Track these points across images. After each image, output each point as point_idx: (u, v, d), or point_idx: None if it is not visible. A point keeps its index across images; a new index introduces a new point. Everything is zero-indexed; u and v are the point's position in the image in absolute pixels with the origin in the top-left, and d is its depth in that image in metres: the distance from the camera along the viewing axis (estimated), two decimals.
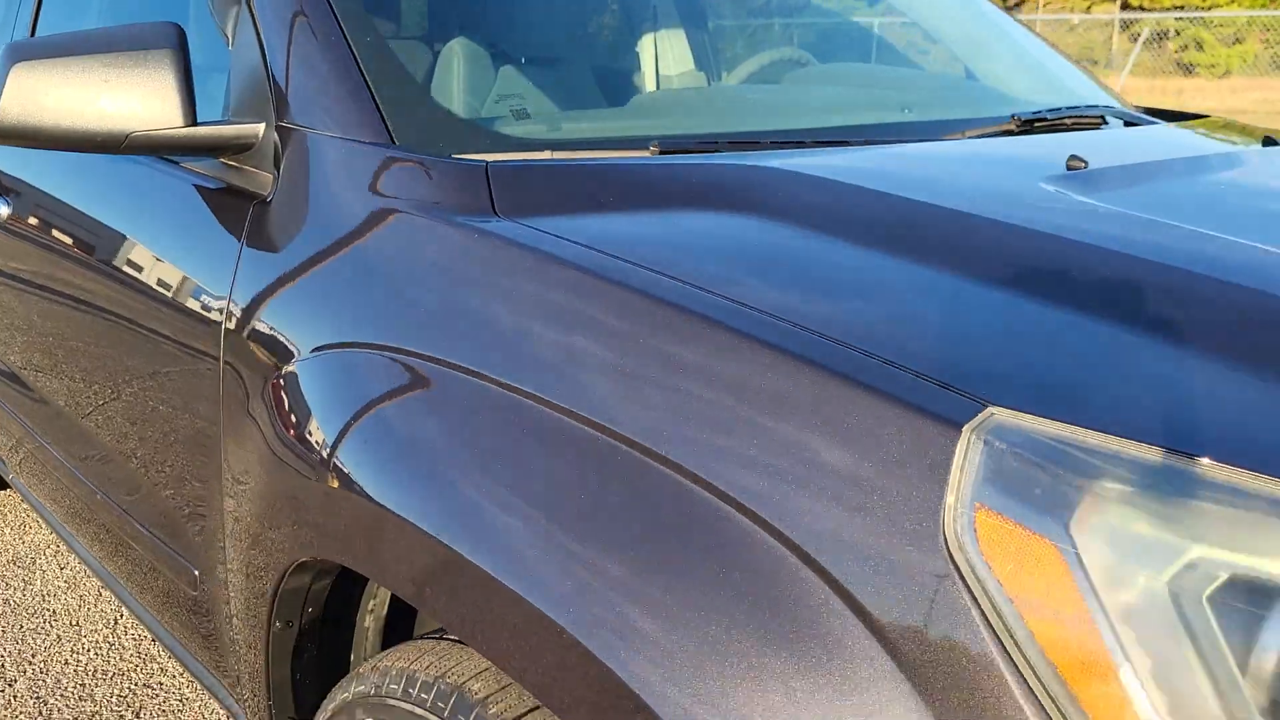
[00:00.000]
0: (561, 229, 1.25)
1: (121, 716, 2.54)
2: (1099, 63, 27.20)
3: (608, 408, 1.06)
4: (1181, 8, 31.04)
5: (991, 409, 0.88)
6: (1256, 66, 30.11)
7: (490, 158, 1.40)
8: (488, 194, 1.32)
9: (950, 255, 1.14)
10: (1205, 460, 0.82)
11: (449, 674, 1.22)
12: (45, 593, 3.07)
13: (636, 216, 1.31)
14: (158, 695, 2.63)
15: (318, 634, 1.53)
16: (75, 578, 3.15)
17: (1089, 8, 35.13)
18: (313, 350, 1.38)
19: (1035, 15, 33.27)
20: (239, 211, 1.59)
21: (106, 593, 3.03)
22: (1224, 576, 0.78)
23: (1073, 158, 1.48)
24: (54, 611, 2.97)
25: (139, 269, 1.78)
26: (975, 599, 0.84)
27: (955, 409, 0.89)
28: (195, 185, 1.74)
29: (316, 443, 1.32)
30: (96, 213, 1.95)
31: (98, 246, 1.93)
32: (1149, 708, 0.78)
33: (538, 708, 1.15)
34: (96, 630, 2.89)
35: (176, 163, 1.79)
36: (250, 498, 1.45)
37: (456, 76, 1.75)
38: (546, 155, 1.50)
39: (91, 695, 2.61)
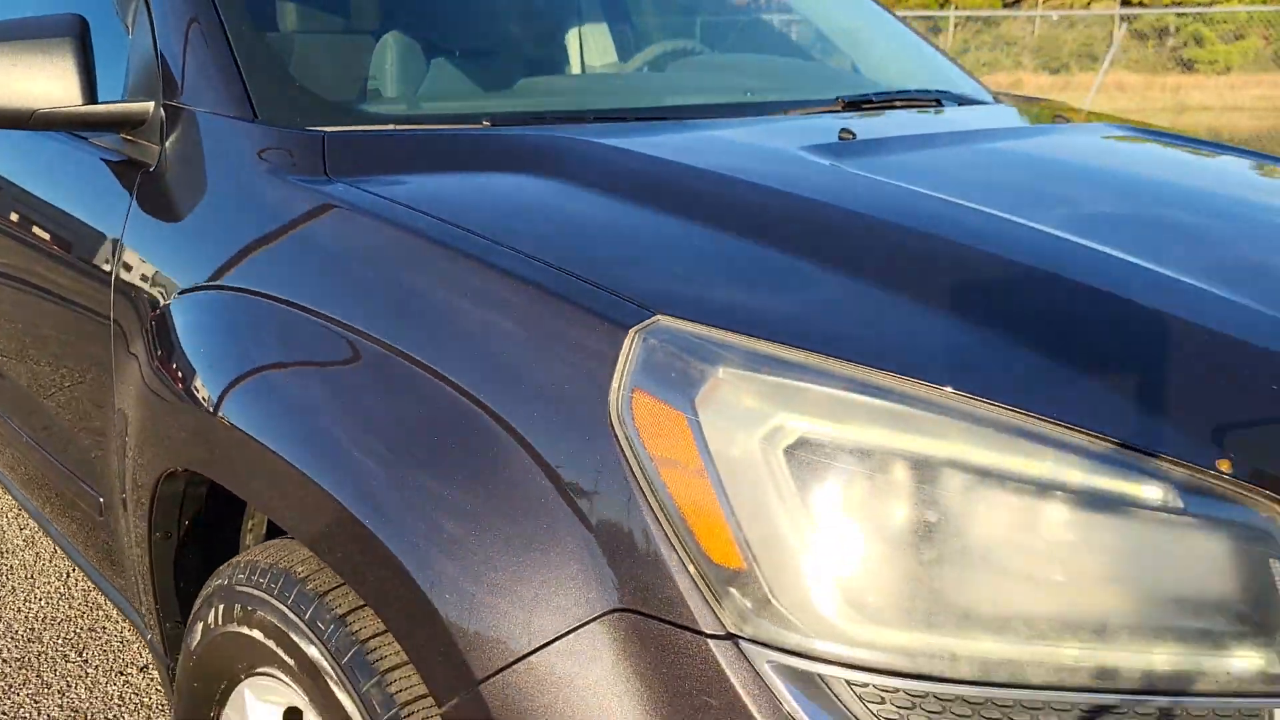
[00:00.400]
0: (378, 187, 1.47)
1: (66, 656, 2.77)
2: (1098, 59, 27.19)
3: (388, 327, 1.29)
4: (1181, 3, 31.00)
5: (658, 316, 1.10)
6: (1258, 63, 30.10)
7: (330, 129, 1.63)
8: (322, 159, 1.55)
9: (682, 203, 1.36)
10: (794, 350, 1.04)
11: (281, 561, 1.44)
12: (4, 550, 3.30)
13: (445, 177, 1.53)
14: (100, 638, 2.86)
15: (200, 549, 1.75)
16: (33, 537, 3.39)
17: (1089, 4, 35.10)
18: (180, 292, 1.61)
19: (1035, 11, 33.35)
20: (130, 178, 1.82)
21: (59, 552, 3.26)
22: (797, 435, 1.00)
23: (843, 130, 1.70)
24: (11, 567, 3.20)
25: (50, 229, 2.01)
26: (628, 458, 1.05)
27: (630, 315, 1.11)
28: (101, 158, 1.96)
29: (178, 368, 1.55)
30: (20, 182, 2.18)
31: (20, 212, 2.16)
32: (744, 538, 1.00)
33: (343, 584, 1.37)
34: (49, 583, 3.12)
35: (86, 139, 2.02)
36: (133, 423, 1.68)
37: (321, 62, 1.98)
38: (388, 128, 1.72)
39: (40, 638, 2.84)
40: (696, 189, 1.41)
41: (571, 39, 2.61)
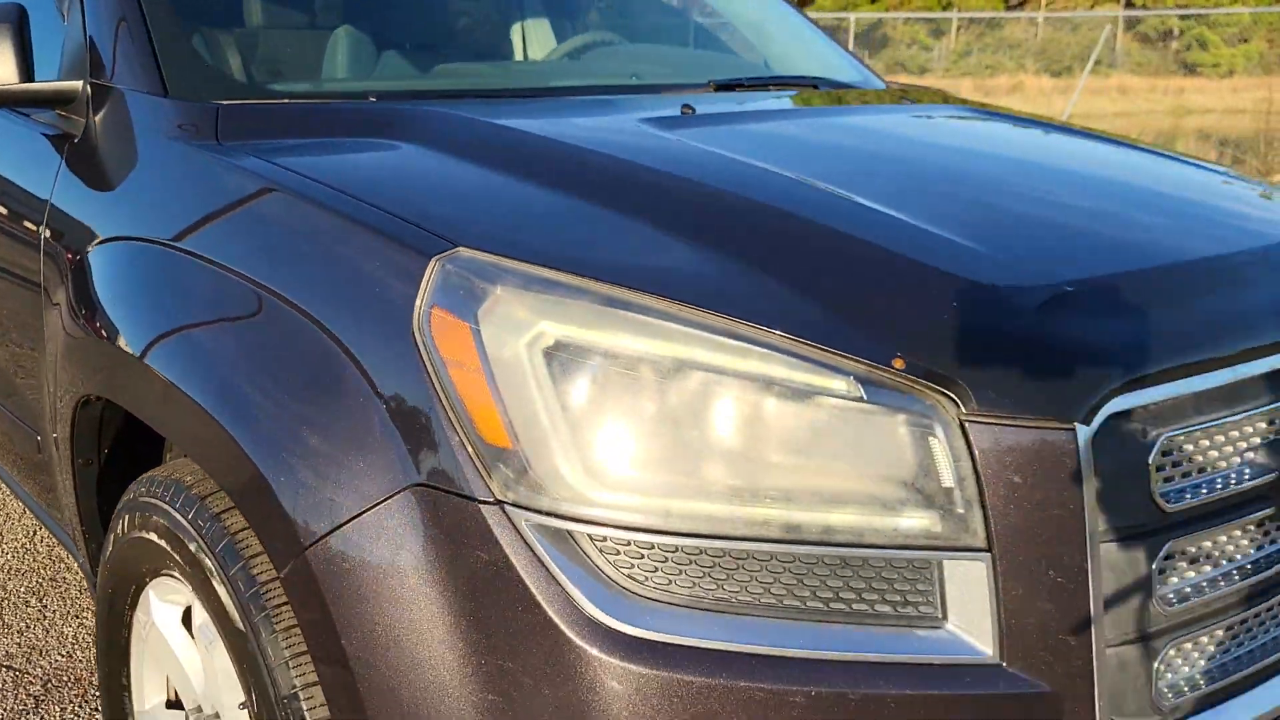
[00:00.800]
0: (258, 150, 1.69)
1: (27, 602, 2.99)
2: (1101, 61, 27.19)
3: (249, 262, 1.51)
4: (1185, 5, 30.97)
5: (459, 248, 1.32)
6: (1262, 65, 30.11)
7: (225, 102, 1.85)
8: (214, 127, 1.77)
9: (511, 162, 1.58)
10: (560, 273, 1.26)
11: (174, 474, 1.66)
12: None
13: (316, 141, 1.75)
14: (60, 587, 3.08)
15: (121, 476, 1.97)
16: (2, 500, 3.62)
17: (1092, 5, 35.07)
18: (98, 242, 1.83)
19: (1039, 13, 33.37)
20: (60, 148, 2.05)
21: (28, 512, 3.49)
22: (554, 339, 1.22)
23: (684, 106, 1.92)
24: None
25: None
26: (425, 363, 1.27)
27: (436, 247, 1.32)
28: (41, 133, 2.19)
29: (91, 307, 1.77)
30: None
31: None
32: (509, 421, 1.21)
33: (219, 490, 1.58)
34: (16, 539, 3.35)
35: (28, 115, 2.24)
36: (57, 359, 1.90)
37: (231, 47, 2.21)
38: (275, 101, 1.95)
39: (3, 587, 3.07)
40: (527, 151, 1.63)
41: (497, 31, 2.84)
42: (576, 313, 1.22)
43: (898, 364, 1.19)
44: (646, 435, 1.19)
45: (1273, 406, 1.36)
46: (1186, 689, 1.33)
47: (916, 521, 1.19)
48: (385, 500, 1.27)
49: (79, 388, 1.80)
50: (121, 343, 1.66)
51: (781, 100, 2.30)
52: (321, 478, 1.32)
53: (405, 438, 1.27)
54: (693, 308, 1.22)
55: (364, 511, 1.28)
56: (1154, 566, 1.25)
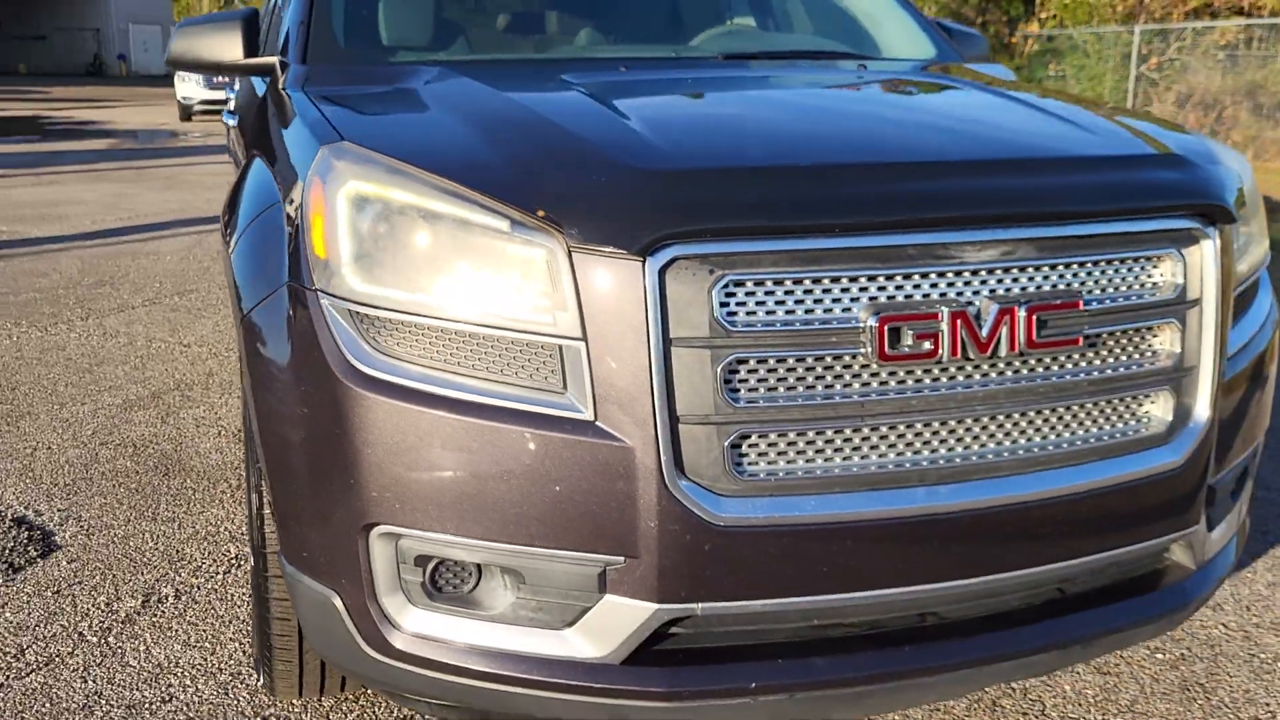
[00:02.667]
0: (310, 91, 2.57)
1: None
2: None
3: (264, 143, 2.40)
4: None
5: (345, 141, 2.09)
6: None
7: (317, 64, 2.77)
8: (304, 80, 2.69)
9: (448, 99, 2.33)
10: (382, 155, 2.00)
11: None
12: None
13: (351, 88, 2.61)
14: None
15: None
16: None
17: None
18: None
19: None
20: (266, 97, 3.07)
21: None
22: (356, 192, 1.96)
23: (623, 64, 2.58)
24: None
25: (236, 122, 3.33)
26: (304, 208, 2.07)
27: (330, 139, 2.11)
28: (262, 89, 3.24)
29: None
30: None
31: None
32: (327, 247, 1.98)
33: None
34: None
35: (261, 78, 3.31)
36: None
37: (355, 31, 3.13)
38: (345, 66, 2.85)
39: None
40: (459, 95, 2.37)
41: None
42: (374, 176, 1.96)
43: (540, 213, 1.82)
44: (396, 252, 1.90)
45: (852, 272, 1.82)
46: (763, 474, 1.83)
47: (542, 317, 1.81)
48: (277, 290, 2.08)
49: None
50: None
51: (733, 68, 2.89)
52: (260, 271, 2.16)
53: (290, 253, 2.08)
54: (438, 175, 1.90)
55: (267, 297, 2.10)
56: (717, 370, 1.78)
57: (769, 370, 1.81)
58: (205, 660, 2.74)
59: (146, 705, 2.57)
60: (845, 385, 1.83)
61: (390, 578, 1.93)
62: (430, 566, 1.91)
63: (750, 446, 1.83)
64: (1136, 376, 2.01)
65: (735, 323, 1.78)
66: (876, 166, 1.98)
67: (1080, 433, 1.99)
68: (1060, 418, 1.97)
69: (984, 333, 1.85)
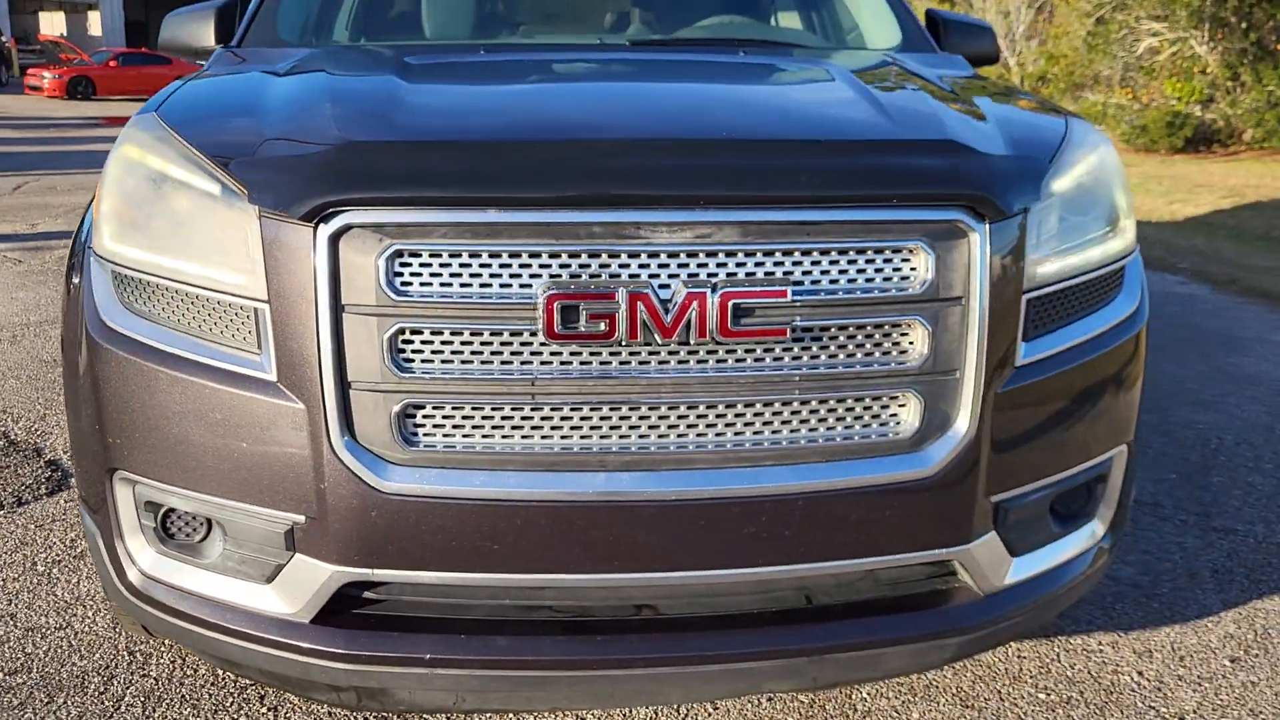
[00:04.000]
0: (201, 74, 2.74)
1: None
2: None
3: None
4: None
5: (151, 113, 2.24)
6: None
7: (235, 48, 2.95)
8: (212, 62, 2.86)
9: (286, 85, 2.44)
10: (169, 130, 2.14)
11: None
12: None
13: (235, 69, 2.76)
14: None
15: None
16: None
17: None
18: None
19: None
20: None
21: None
22: (130, 157, 2.10)
23: (483, 47, 2.61)
24: None
25: None
26: None
27: (152, 107, 2.26)
28: None
29: None
30: None
31: None
32: (101, 212, 2.13)
33: None
34: None
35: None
36: None
37: (285, 14, 3.29)
38: (263, 48, 3.00)
39: None
40: (291, 79, 2.45)
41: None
42: (143, 142, 2.08)
43: (239, 180, 1.90)
44: (138, 212, 2.02)
45: (528, 247, 1.79)
46: (434, 446, 1.84)
47: (241, 279, 1.89)
48: (81, 250, 2.24)
49: None
50: None
51: (617, 52, 2.89)
52: (78, 234, 2.34)
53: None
54: (192, 145, 2.00)
55: (76, 255, 2.27)
56: (384, 338, 1.81)
57: (440, 342, 1.81)
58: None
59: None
60: (516, 360, 1.81)
61: (131, 520, 2.05)
62: (161, 513, 2.02)
63: (424, 417, 1.84)
64: (867, 376, 1.88)
65: (405, 292, 1.80)
66: (565, 143, 1.94)
67: (799, 430, 1.88)
68: (774, 413, 1.87)
69: (668, 318, 1.78)
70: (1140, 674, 2.67)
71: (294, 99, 2.19)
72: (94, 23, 43.07)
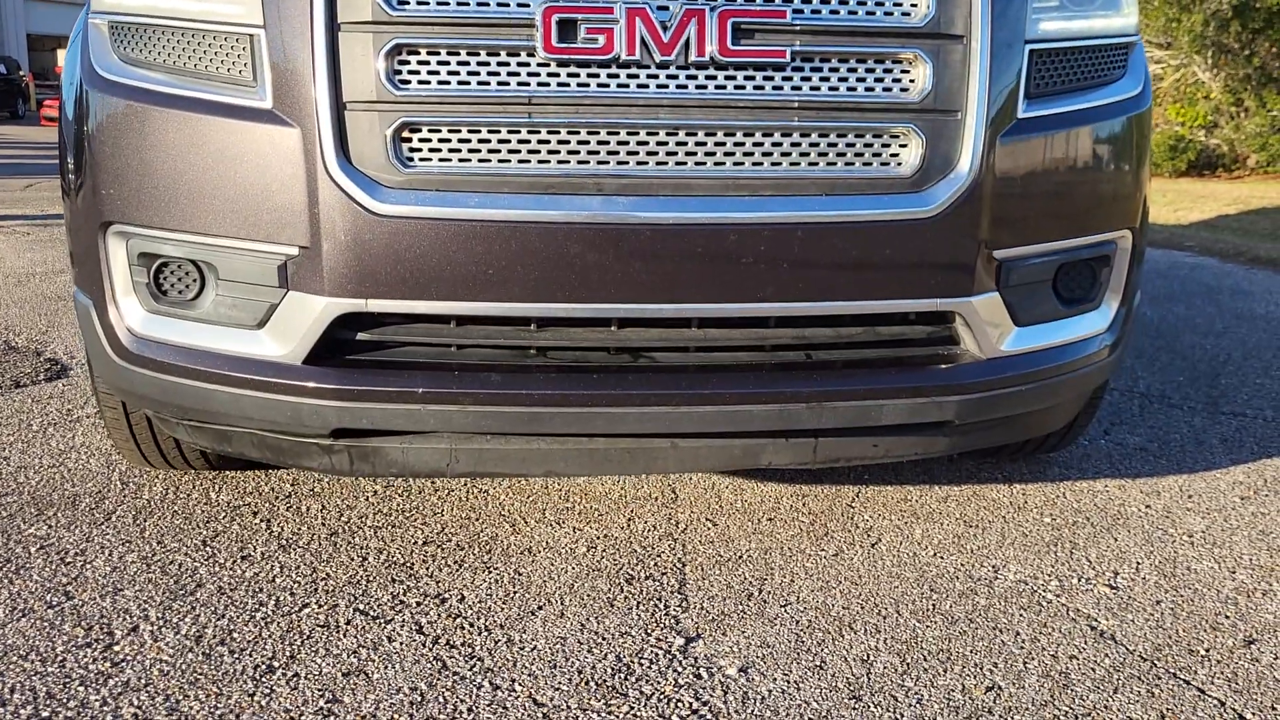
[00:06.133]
0: None
1: None
2: None
3: None
4: None
5: None
6: None
7: None
8: None
9: None
10: None
11: None
12: None
13: None
14: None
15: None
16: None
17: None
18: None
19: None
20: None
21: None
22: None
23: None
24: None
25: None
26: None
27: None
28: None
29: None
30: None
31: None
32: None
33: None
34: None
35: None
36: None
37: None
38: None
39: None
40: None
41: None
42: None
43: None
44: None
45: None
46: (429, 168, 1.82)
47: (233, 6, 1.88)
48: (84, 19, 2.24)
49: None
50: None
51: None
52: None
53: None
54: None
55: (80, 27, 2.27)
56: (380, 54, 1.80)
57: (435, 58, 1.80)
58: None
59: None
60: (513, 79, 1.80)
61: (125, 279, 2.03)
62: (154, 267, 2.00)
63: (420, 140, 1.83)
64: (868, 108, 1.86)
65: (402, 8, 1.79)
66: None
67: (799, 161, 1.86)
68: (774, 142, 1.85)
69: (666, 34, 1.77)
70: (1148, 506, 2.62)
71: None
72: None
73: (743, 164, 1.85)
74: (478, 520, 2.43)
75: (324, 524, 2.41)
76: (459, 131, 1.82)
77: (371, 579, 2.15)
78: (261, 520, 2.43)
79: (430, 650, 1.89)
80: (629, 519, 2.46)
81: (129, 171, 1.96)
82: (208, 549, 2.27)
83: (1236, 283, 6.05)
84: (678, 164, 1.84)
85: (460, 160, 1.83)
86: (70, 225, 2.14)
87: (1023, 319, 2.05)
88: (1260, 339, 4.53)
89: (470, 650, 1.90)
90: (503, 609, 2.04)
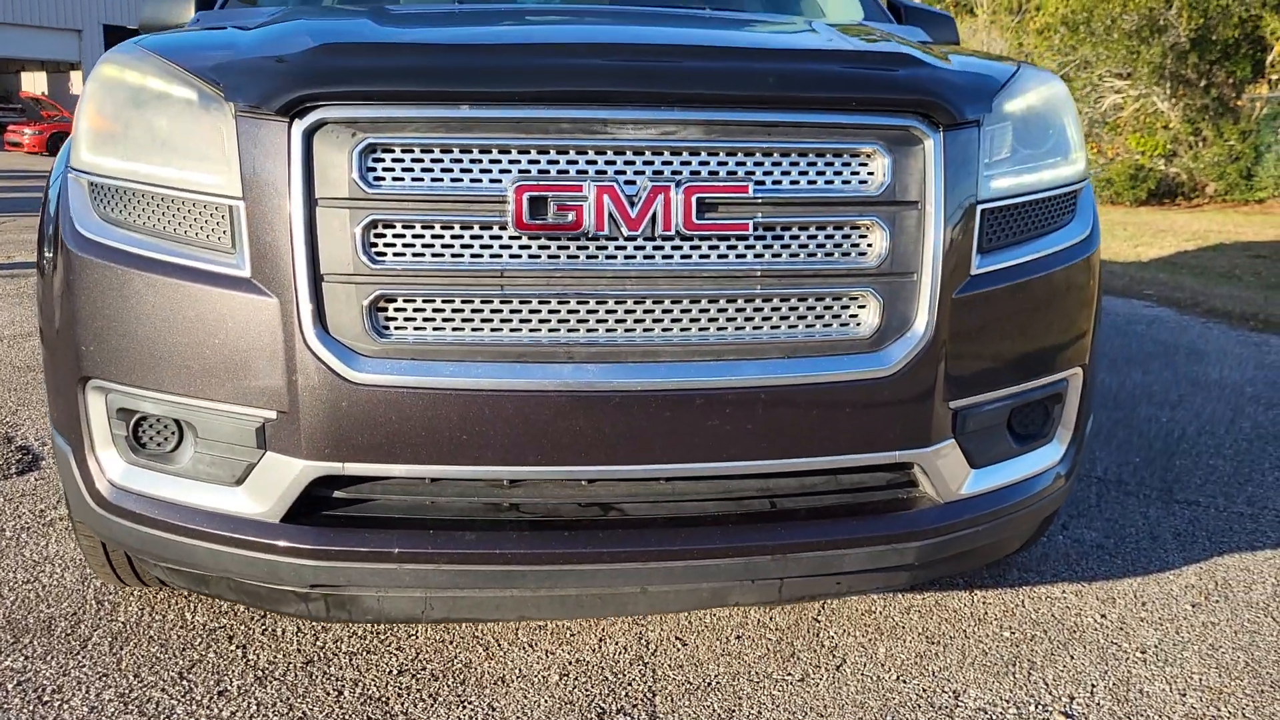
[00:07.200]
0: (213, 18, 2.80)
1: None
2: None
3: None
4: None
5: (128, 40, 2.30)
6: None
7: (214, 10, 3.01)
8: (188, 23, 2.93)
9: (265, 23, 2.51)
10: (156, 55, 2.19)
11: None
12: None
13: (214, 23, 2.83)
14: None
15: None
16: None
17: None
18: None
19: None
20: None
21: None
22: (105, 76, 2.15)
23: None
24: None
25: None
26: None
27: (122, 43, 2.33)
28: None
29: None
30: None
31: None
32: (78, 131, 2.17)
33: None
34: None
35: None
36: None
37: None
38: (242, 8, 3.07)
39: None
40: (268, 19, 2.54)
41: None
42: (122, 61, 2.13)
43: (218, 85, 1.95)
44: (116, 124, 2.06)
45: (498, 141, 1.85)
46: (404, 337, 1.88)
47: (215, 179, 1.94)
48: (61, 171, 2.27)
49: None
50: None
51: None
52: (63, 157, 2.38)
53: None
54: (171, 62, 2.05)
55: (57, 176, 2.31)
56: (357, 230, 1.86)
57: (411, 232, 1.86)
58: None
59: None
60: (485, 251, 1.86)
61: (103, 431, 2.07)
62: (133, 421, 2.04)
63: (395, 310, 1.88)
64: (827, 274, 1.94)
65: (378, 185, 1.85)
66: (535, 45, 2.01)
67: (761, 326, 1.93)
68: (737, 308, 1.92)
69: (634, 210, 1.84)
70: (1103, 616, 2.70)
71: (271, 32, 2.26)
72: (76, 82, 43.34)
73: (708, 329, 1.92)
74: (452, 645, 2.48)
75: (300, 650, 2.45)
76: (433, 302, 1.88)
77: (348, 717, 2.19)
78: (237, 647, 2.46)
79: None
80: (600, 639, 2.51)
81: (109, 330, 2.00)
82: (184, 683, 2.31)
83: (1193, 341, 6.18)
84: (645, 330, 1.91)
85: (435, 330, 1.88)
86: (49, 373, 2.18)
87: (979, 461, 2.13)
88: (1214, 410, 4.65)
89: None
90: None
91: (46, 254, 2.16)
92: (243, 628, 2.54)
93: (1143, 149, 19.47)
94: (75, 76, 43.43)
